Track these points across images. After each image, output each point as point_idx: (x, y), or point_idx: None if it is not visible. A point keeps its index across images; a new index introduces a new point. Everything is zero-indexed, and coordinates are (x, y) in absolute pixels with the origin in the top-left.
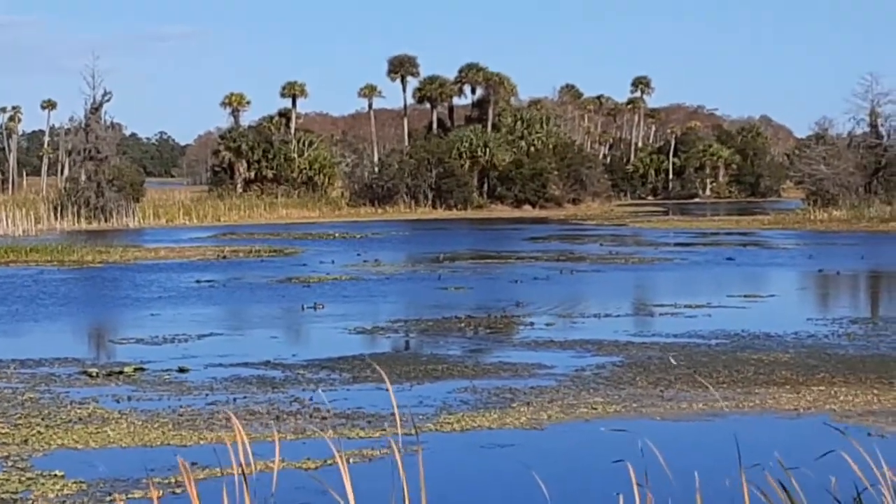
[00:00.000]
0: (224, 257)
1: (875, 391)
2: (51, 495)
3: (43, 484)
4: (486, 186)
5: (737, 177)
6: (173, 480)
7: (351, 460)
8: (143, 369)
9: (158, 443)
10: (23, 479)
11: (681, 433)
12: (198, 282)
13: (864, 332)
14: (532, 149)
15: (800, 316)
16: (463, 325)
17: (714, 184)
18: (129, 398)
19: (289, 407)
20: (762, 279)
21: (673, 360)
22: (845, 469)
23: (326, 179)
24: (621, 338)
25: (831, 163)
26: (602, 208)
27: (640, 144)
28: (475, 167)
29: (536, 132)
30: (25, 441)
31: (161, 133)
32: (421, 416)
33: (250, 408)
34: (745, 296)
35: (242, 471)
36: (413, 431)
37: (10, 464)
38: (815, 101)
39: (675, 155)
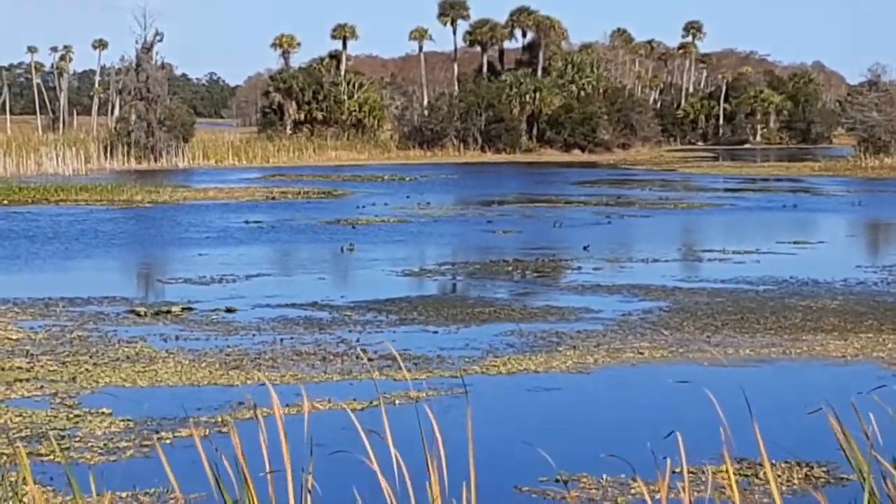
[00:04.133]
0: (273, 198)
1: None
2: (98, 433)
3: (90, 421)
4: (535, 130)
5: (788, 123)
6: (220, 419)
7: (396, 402)
8: (190, 309)
9: (205, 382)
10: (70, 416)
11: (728, 378)
12: (246, 222)
13: None
14: (582, 93)
15: (848, 263)
16: (510, 268)
17: (765, 130)
18: (177, 337)
19: (335, 348)
20: (811, 225)
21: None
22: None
23: (376, 122)
24: (669, 283)
25: (884, 109)
26: (651, 153)
27: (690, 90)
28: (524, 111)
29: (587, 76)
30: (73, 379)
31: (211, 74)
32: (467, 359)
33: (297, 348)
34: (793, 242)
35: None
36: (458, 374)
37: (58, 401)
38: (868, 48)
39: (725, 100)
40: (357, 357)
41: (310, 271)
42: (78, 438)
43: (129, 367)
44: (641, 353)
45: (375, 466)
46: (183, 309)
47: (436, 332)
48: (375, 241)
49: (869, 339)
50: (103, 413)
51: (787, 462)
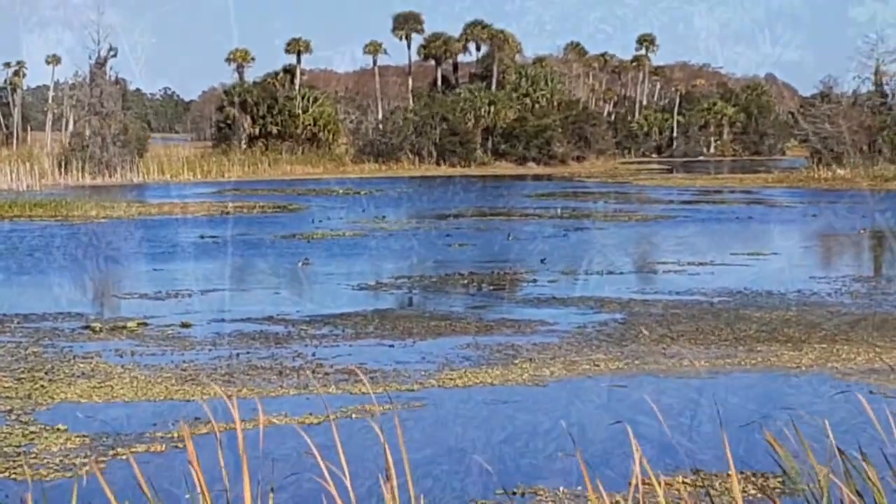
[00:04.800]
0: (228, 213)
1: (877, 349)
2: (54, 449)
3: (46, 438)
4: (490, 143)
5: (741, 135)
6: (176, 435)
7: (353, 416)
8: (146, 324)
9: (162, 397)
10: (26, 432)
11: (683, 390)
12: (201, 237)
13: (866, 291)
14: (536, 106)
15: (803, 274)
16: (466, 281)
17: (718, 142)
18: (133, 353)
19: (292, 362)
20: (765, 237)
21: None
22: (847, 425)
23: (331, 136)
24: (624, 295)
25: (836, 121)
26: (606, 166)
27: (644, 102)
28: (479, 124)
29: (541, 89)
30: (29, 395)
31: (165, 89)
32: (423, 372)
33: (253, 363)
34: (748, 253)
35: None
36: (414, 387)
37: (13, 418)
38: (820, 60)
39: (679, 113)
40: (313, 371)
41: (265, 286)
42: (33, 455)
43: (85, 382)
44: (598, 366)
45: (331, 487)
46: (138, 324)
47: (392, 346)
48: (331, 256)
49: (823, 349)
50: (59, 429)
51: (741, 473)
